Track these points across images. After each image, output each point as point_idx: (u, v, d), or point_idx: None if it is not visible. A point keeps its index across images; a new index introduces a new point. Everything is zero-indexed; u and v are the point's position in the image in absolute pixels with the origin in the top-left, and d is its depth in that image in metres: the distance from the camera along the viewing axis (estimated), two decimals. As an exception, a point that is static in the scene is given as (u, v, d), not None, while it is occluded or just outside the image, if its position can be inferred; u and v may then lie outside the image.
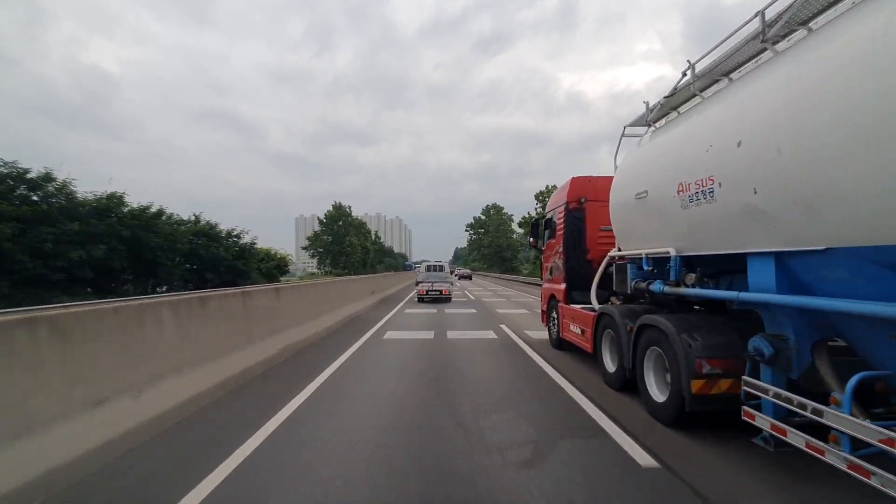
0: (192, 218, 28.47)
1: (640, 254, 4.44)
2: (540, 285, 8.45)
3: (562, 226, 6.54)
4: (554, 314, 7.00)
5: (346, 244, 55.41)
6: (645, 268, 4.35)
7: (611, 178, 6.17)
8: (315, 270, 64.15)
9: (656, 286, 4.08)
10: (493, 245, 70.89)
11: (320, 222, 56.29)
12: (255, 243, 31.73)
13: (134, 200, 22.57)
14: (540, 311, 8.39)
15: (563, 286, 6.51)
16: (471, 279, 42.04)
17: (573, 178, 6.59)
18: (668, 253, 3.86)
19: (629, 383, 4.33)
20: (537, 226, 8.15)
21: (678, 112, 4.29)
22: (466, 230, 79.09)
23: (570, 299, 6.37)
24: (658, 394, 3.79)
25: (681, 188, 3.47)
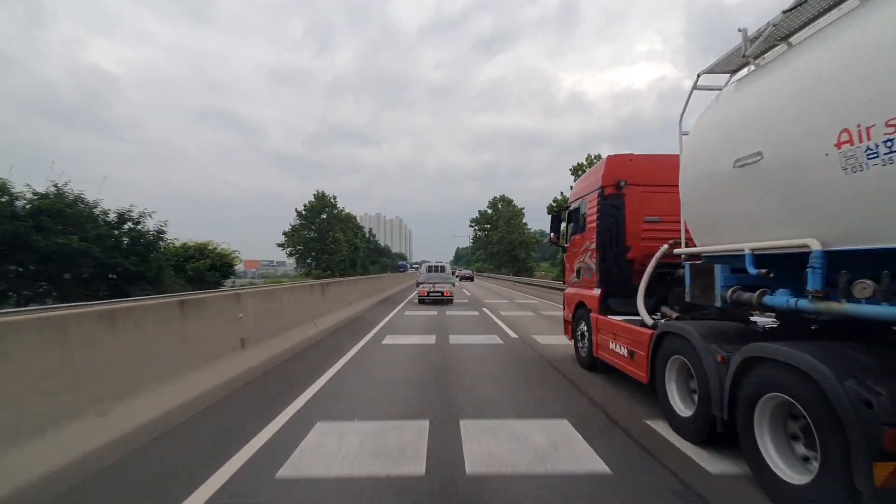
0: (51, 189, 19.95)
1: (741, 249, 3.39)
2: None
3: (594, 217, 6.01)
4: (583, 326, 6.43)
5: (329, 240, 54.20)
6: (751, 270, 3.29)
7: (656, 156, 5.96)
8: (293, 272, 63.12)
9: (780, 299, 3.03)
10: (503, 241, 69.01)
11: (299, 215, 54.77)
12: (163, 231, 23.94)
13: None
14: (564, 322, 7.62)
15: (595, 292, 5.99)
16: (472, 280, 45.70)
17: (609, 156, 6.11)
18: (806, 247, 2.80)
19: (720, 436, 3.39)
20: (559, 219, 7.59)
21: (789, 44, 3.26)
22: (471, 225, 78.00)
23: (604, 309, 5.81)
24: (788, 471, 2.73)
25: (846, 138, 2.40)
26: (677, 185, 5.41)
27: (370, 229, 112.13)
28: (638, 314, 4.93)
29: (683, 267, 4.37)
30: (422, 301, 17.63)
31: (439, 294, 17.46)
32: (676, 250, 4.63)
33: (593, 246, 6.00)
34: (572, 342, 7.03)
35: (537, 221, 71.26)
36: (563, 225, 7.53)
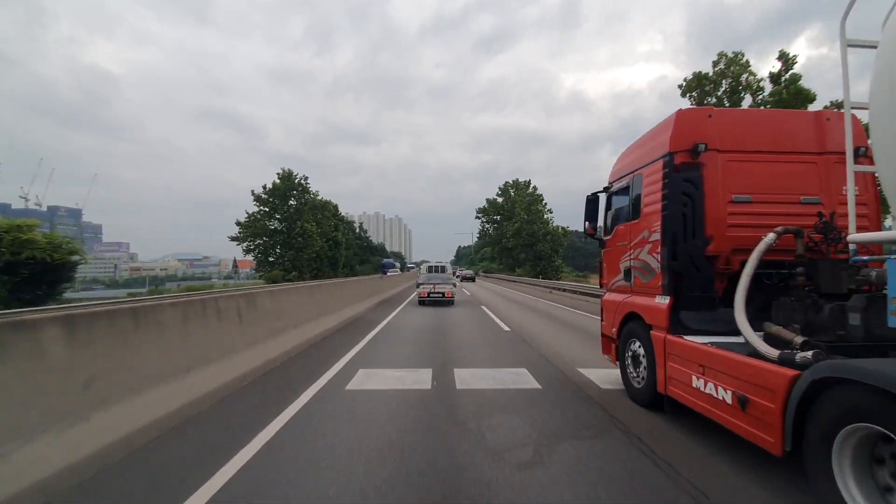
0: None
1: None
2: None
3: (657, 196, 5.51)
4: (636, 347, 5.88)
5: (296, 232, 50.18)
6: None
7: (744, 111, 5.77)
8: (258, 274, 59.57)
9: None
10: (523, 234, 63.22)
11: (258, 199, 51.08)
12: None
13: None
14: (602, 338, 7.28)
15: (659, 302, 5.37)
16: (473, 280, 50.04)
17: (680, 111, 5.59)
18: None
19: None
20: (596, 203, 7.31)
21: None
22: (477, 216, 74.26)
23: (675, 325, 5.11)
24: None
25: None
26: (777, 152, 5.19)
27: (360, 224, 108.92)
28: (729, 334, 4.54)
29: (871, 265, 3.84)
30: (422, 303, 19.86)
31: (440, 295, 19.63)
32: (856, 236, 3.86)
33: (655, 237, 5.51)
34: (617, 366, 6.62)
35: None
36: (603, 211, 7.26)
